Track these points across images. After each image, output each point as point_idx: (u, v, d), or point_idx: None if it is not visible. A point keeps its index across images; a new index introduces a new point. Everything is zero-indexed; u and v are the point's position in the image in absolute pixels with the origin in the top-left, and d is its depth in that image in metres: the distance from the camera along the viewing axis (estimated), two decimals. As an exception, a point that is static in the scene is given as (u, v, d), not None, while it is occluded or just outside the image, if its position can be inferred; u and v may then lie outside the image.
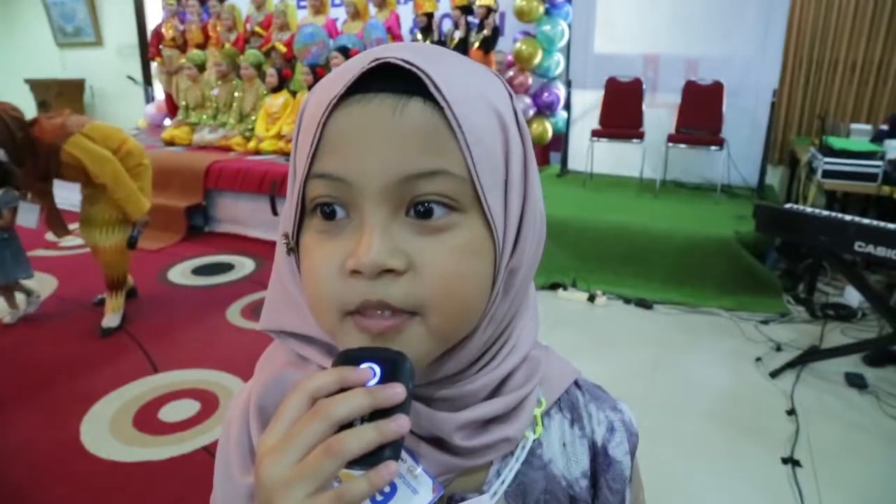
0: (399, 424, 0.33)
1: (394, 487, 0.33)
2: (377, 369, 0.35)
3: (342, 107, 0.36)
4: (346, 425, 0.33)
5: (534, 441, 0.46)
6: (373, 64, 0.35)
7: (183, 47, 6.24)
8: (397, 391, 0.34)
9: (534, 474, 0.46)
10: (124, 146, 2.85)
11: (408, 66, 0.35)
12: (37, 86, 7.38)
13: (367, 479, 0.32)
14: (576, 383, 0.51)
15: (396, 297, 0.36)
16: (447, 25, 5.29)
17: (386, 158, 0.35)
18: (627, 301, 3.48)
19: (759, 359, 2.80)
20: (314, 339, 0.43)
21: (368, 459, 0.32)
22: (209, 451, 2.09)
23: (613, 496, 0.48)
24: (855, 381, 2.58)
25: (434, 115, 0.35)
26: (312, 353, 0.43)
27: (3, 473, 1.97)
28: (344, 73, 0.37)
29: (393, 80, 0.36)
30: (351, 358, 0.36)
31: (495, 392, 0.43)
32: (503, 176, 0.38)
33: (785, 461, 2.09)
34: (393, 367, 0.35)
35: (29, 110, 7.49)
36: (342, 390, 0.34)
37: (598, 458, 0.48)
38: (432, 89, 0.35)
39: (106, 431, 2.19)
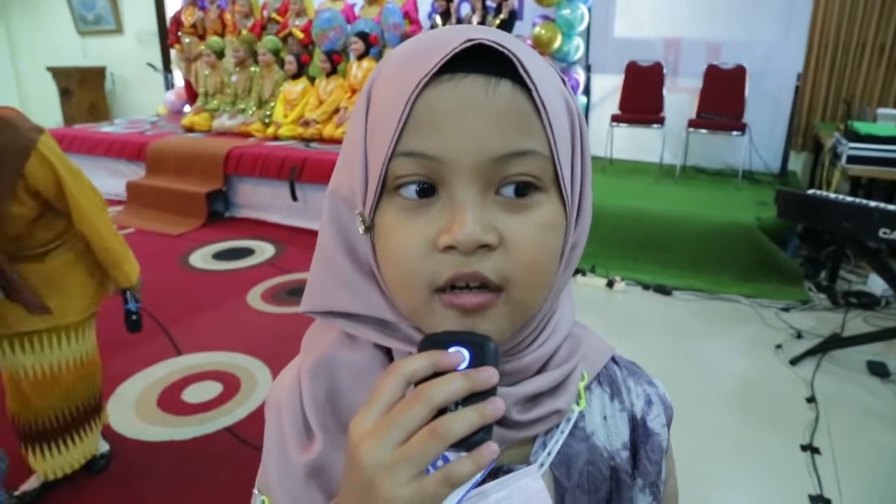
0: (496, 407, 0.34)
1: (445, 460, 0.34)
2: (466, 353, 0.35)
3: (430, 86, 0.36)
4: (442, 409, 0.34)
5: (577, 414, 0.48)
6: (467, 44, 0.36)
7: (202, 34, 6.28)
8: (491, 374, 0.34)
9: (577, 446, 0.48)
10: (82, 176, 1.63)
11: (500, 48, 0.36)
12: (59, 74, 7.48)
13: (473, 460, 0.33)
14: (613, 359, 0.53)
15: (489, 270, 0.37)
16: (465, 10, 5.25)
17: (480, 138, 0.36)
18: (646, 287, 3.46)
19: (779, 346, 2.78)
20: (365, 318, 0.44)
21: (463, 442, 0.33)
22: (231, 431, 2.14)
23: (652, 466, 0.50)
24: (877, 370, 2.55)
25: (522, 97, 0.37)
26: (364, 331, 0.44)
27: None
28: (429, 50, 0.37)
29: (480, 61, 0.36)
30: (438, 342, 0.36)
31: (542, 368, 0.45)
32: (570, 155, 0.40)
33: (804, 448, 2.08)
34: (481, 350, 0.35)
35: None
36: (434, 374, 0.35)
37: (638, 430, 0.50)
38: (521, 72, 0.36)
39: (132, 412, 2.25)
